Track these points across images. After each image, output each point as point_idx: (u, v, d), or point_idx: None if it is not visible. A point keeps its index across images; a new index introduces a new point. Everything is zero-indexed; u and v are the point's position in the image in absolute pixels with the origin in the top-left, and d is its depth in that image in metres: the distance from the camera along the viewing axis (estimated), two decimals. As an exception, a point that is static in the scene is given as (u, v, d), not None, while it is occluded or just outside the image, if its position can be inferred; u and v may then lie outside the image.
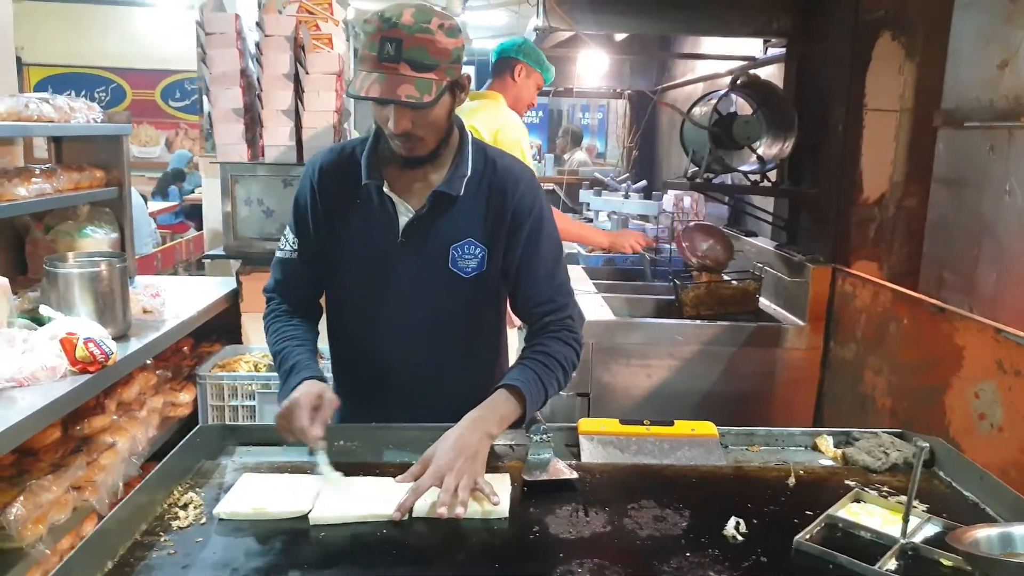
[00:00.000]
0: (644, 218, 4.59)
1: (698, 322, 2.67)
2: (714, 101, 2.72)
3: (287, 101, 3.12)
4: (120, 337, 2.34)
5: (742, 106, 2.91)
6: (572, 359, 1.48)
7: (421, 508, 1.17)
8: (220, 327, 3.17)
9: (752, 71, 3.20)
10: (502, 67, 2.87)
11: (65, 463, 2.03)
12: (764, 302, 2.88)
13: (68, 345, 2.01)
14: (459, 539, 1.13)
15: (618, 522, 1.16)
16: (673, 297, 2.92)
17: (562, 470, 1.30)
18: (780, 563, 1.08)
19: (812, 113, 2.66)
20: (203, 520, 1.14)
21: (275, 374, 2.84)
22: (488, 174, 1.48)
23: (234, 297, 3.16)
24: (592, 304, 2.78)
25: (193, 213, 8.00)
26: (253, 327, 3.19)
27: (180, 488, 1.23)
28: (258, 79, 3.16)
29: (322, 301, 1.63)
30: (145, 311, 2.61)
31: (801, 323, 2.61)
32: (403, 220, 1.46)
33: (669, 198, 4.42)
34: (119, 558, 1.03)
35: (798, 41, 2.83)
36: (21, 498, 1.83)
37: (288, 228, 1.55)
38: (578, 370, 2.60)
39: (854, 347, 2.35)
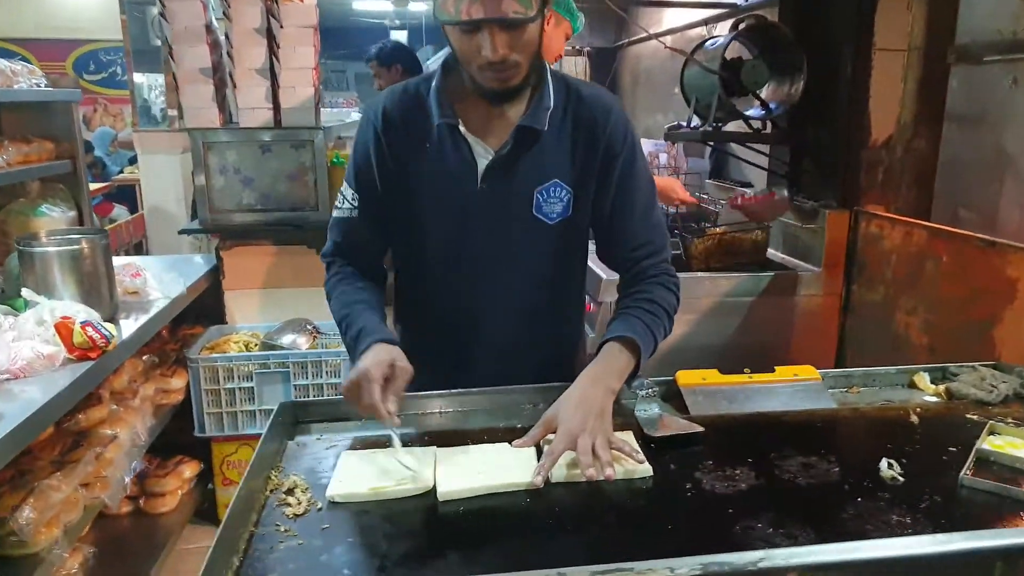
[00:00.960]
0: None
1: (713, 275, 2.62)
2: (719, 47, 2.65)
3: (261, 58, 2.89)
4: (108, 321, 2.12)
5: (732, 51, 2.84)
6: (674, 305, 1.38)
7: (557, 474, 1.07)
8: (199, 308, 2.95)
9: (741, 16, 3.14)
10: None
11: (70, 459, 1.84)
12: (772, 252, 2.85)
13: (64, 330, 1.80)
14: (609, 502, 1.03)
15: (769, 473, 1.08)
16: (679, 251, 2.86)
17: (686, 424, 1.21)
18: (953, 500, 1.02)
19: (815, 56, 2.62)
20: (318, 505, 1.00)
21: (272, 352, 2.69)
22: (572, 106, 1.34)
23: (215, 275, 2.94)
24: (599, 265, 2.69)
25: (120, 194, 7.50)
26: (238, 306, 2.99)
27: (275, 473, 1.09)
28: (226, 35, 2.92)
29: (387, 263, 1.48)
30: (128, 292, 2.39)
31: (816, 269, 2.59)
32: (482, 163, 1.32)
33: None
34: (243, 553, 0.89)
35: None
36: (31, 500, 1.64)
37: (345, 183, 1.38)
38: (597, 332, 2.57)
39: (882, 289, 2.34)
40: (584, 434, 1.10)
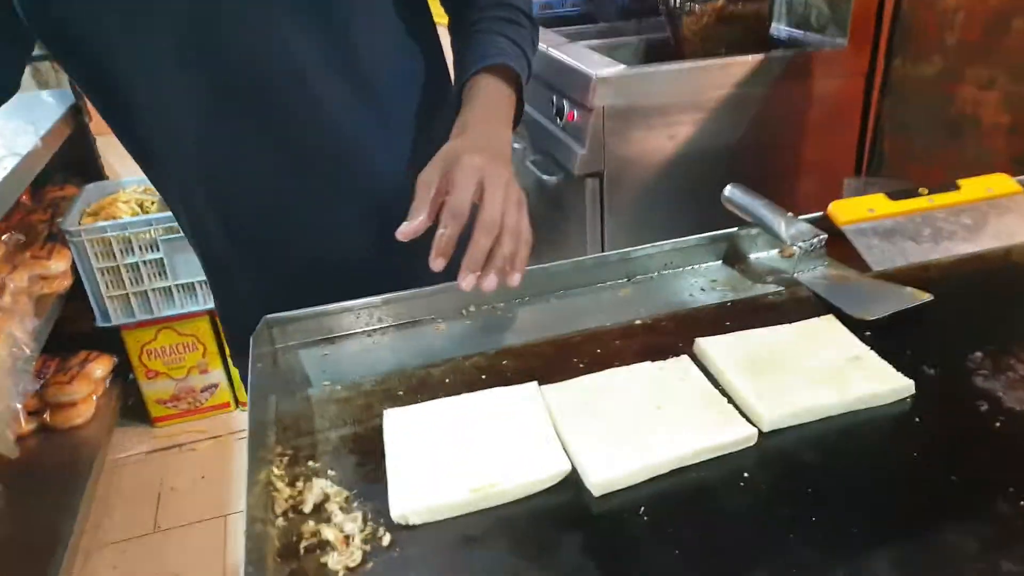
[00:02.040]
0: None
1: (720, 61, 2.13)
2: None
3: None
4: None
5: None
6: (531, 8, 0.96)
7: (779, 414, 0.63)
8: (64, 162, 2.29)
9: None
10: None
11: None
12: (774, 27, 2.38)
13: None
14: (878, 457, 0.61)
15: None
16: (668, 35, 2.35)
17: (900, 291, 0.80)
18: None
19: None
20: (383, 539, 0.55)
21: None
22: None
23: (76, 116, 2.24)
24: (583, 58, 2.14)
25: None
26: (116, 154, 2.32)
27: (277, 471, 0.61)
28: None
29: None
30: (-43, 152, 1.72)
31: (839, 42, 2.15)
32: None
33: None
34: None
35: None
36: None
37: None
38: (587, 146, 2.09)
39: (939, 60, 1.92)
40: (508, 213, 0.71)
